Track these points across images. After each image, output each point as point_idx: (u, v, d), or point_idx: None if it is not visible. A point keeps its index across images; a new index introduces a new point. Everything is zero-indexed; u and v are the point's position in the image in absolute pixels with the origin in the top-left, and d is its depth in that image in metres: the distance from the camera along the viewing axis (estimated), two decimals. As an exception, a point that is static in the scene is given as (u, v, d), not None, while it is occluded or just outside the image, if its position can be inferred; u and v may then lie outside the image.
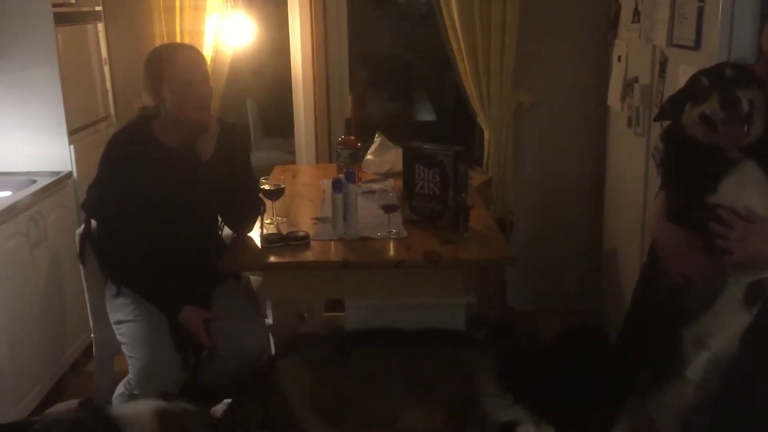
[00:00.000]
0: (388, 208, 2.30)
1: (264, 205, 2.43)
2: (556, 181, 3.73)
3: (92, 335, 2.44)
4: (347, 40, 3.80)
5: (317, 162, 3.78)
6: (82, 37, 3.49)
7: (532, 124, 3.68)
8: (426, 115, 4.98)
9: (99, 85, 3.67)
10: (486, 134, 3.62)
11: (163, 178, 2.27)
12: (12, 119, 3.13)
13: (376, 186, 2.94)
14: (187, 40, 3.65)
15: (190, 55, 2.31)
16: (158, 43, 3.68)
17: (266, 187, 2.44)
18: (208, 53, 3.70)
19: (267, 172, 4.08)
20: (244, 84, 4.63)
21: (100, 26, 3.63)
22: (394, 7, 5.14)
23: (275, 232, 2.32)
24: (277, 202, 2.66)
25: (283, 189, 2.47)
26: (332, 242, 2.27)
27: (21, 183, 2.99)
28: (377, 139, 3.28)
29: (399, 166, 3.16)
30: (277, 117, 4.82)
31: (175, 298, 2.24)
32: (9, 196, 2.84)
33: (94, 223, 2.33)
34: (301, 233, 2.27)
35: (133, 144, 2.29)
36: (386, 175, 3.12)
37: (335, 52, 3.78)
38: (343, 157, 2.89)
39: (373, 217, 2.40)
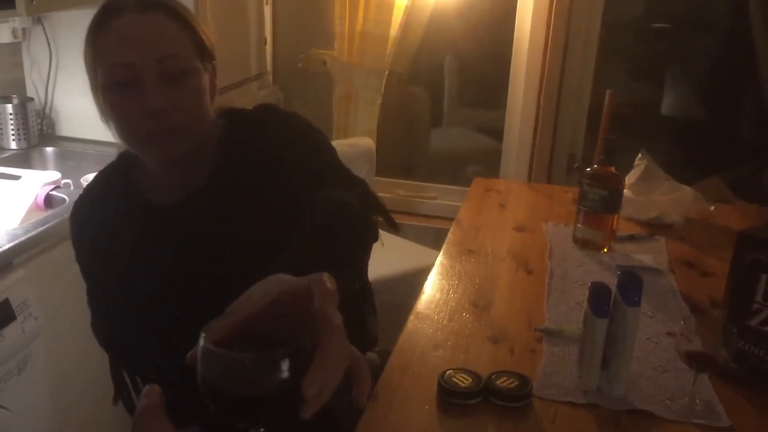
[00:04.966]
0: (696, 361, 1.16)
1: (376, 221, 1.13)
2: None
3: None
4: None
5: (529, 177, 2.65)
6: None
7: None
8: (683, 109, 3.59)
9: (255, 32, 2.75)
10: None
11: (163, 262, 1.19)
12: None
13: (634, 249, 1.78)
14: (375, -20, 2.62)
15: (140, 22, 1.09)
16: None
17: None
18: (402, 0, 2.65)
19: (457, 158, 3.05)
20: (444, 41, 3.53)
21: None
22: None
23: (467, 374, 1.23)
24: (468, 266, 1.63)
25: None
26: (574, 409, 1.17)
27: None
28: (639, 163, 2.09)
29: (673, 216, 1.98)
30: (477, 82, 3.71)
31: None
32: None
33: None
34: (515, 383, 1.18)
35: (106, 211, 1.24)
36: (653, 228, 1.94)
37: (582, 14, 2.58)
38: (590, 200, 1.75)
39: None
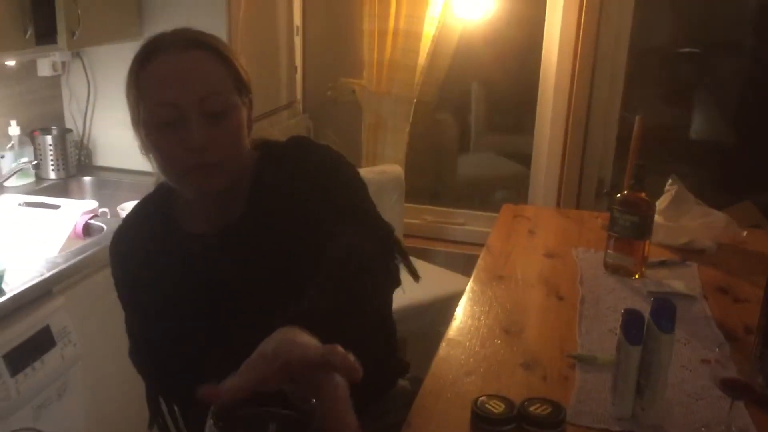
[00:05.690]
0: (732, 388, 1.15)
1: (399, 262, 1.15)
2: None
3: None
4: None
5: (558, 202, 2.66)
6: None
7: None
8: (712, 133, 3.57)
9: (285, 61, 2.80)
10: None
11: (201, 291, 1.20)
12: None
13: (666, 275, 1.78)
14: (404, 11, 2.66)
15: (181, 61, 1.13)
16: (366, 12, 2.73)
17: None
18: (430, 29, 2.69)
19: (484, 184, 3.09)
20: (471, 68, 3.56)
21: (296, -16, 2.76)
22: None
23: (500, 400, 1.24)
24: (499, 292, 1.63)
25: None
26: (608, 436, 1.17)
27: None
28: (670, 188, 2.09)
29: (705, 241, 1.97)
30: (504, 107, 3.73)
31: None
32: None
33: None
34: (549, 410, 1.19)
35: (144, 242, 1.26)
36: (684, 254, 1.93)
37: (610, 40, 2.60)
38: (621, 226, 1.75)
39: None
